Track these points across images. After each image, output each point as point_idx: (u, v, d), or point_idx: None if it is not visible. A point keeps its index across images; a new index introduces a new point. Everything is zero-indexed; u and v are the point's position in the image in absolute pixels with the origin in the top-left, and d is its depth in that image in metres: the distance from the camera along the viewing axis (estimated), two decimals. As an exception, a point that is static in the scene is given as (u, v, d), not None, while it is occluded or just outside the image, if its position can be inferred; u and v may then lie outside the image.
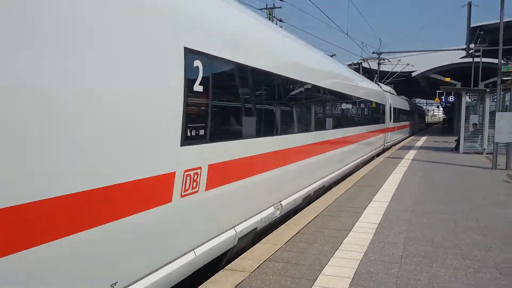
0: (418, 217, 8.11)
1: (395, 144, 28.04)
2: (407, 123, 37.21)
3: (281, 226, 7.46)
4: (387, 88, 29.17)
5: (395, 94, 33.11)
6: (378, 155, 21.25)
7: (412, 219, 7.92)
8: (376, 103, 19.44)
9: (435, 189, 11.08)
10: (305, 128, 8.71)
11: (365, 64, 37.76)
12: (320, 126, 9.93)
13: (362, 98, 15.88)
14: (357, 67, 36.83)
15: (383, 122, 21.75)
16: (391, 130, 24.92)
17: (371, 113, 18.16)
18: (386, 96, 23.90)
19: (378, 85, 25.23)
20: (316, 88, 9.63)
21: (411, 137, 37.20)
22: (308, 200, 9.56)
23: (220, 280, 5.05)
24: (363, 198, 9.85)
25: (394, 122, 26.31)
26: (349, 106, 13.69)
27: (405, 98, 42.58)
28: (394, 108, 26.55)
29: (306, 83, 8.82)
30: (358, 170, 14.67)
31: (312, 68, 9.53)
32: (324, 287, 4.88)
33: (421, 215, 8.22)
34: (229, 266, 5.53)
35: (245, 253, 6.01)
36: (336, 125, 11.55)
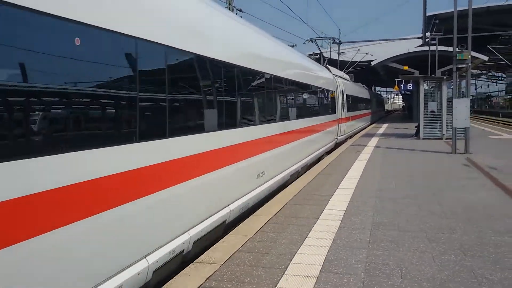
0: (383, 202, 8.26)
1: (351, 137, 25.16)
2: (365, 112, 34.62)
3: (250, 217, 7.44)
4: (339, 72, 25.90)
5: (350, 80, 29.57)
6: (329, 151, 18.14)
7: (378, 205, 8.06)
8: (323, 89, 16.18)
9: (398, 175, 11.33)
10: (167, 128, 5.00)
11: (317, 51, 36.93)
12: (212, 124, 6.22)
13: (301, 83, 12.36)
14: (318, 58, 37.11)
15: (334, 112, 18.50)
16: (345, 120, 21.68)
17: (316, 102, 14.74)
18: (337, 82, 20.51)
19: (327, 69, 21.30)
20: (201, 61, 5.92)
21: (372, 125, 37.12)
22: (182, 261, 5.69)
23: (191, 273, 4.98)
24: (329, 185, 9.96)
25: (348, 111, 23.42)
26: (280, 94, 10.03)
27: (362, 85, 40.36)
28: (348, 95, 23.53)
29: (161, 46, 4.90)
30: (297, 178, 11.56)
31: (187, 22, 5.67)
32: (295, 275, 4.90)
33: (386, 201, 8.38)
34: (199, 259, 5.47)
35: (215, 245, 5.95)
36: (255, 121, 8.19)
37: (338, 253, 5.58)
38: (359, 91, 31.72)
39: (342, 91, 21.37)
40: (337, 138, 19.73)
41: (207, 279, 4.84)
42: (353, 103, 26.03)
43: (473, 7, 15.83)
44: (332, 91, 18.39)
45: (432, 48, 33.49)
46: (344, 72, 37.46)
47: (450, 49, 21.26)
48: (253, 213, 7.72)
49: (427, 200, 8.45)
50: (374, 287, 4.56)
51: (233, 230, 6.66)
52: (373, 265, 5.17)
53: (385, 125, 35.86)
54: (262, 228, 6.72)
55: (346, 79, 26.61)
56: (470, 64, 16.05)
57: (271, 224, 6.91)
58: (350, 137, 25.01)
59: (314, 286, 4.59)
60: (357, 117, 28.53)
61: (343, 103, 21.28)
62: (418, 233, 6.36)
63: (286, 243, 5.98)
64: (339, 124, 20.06)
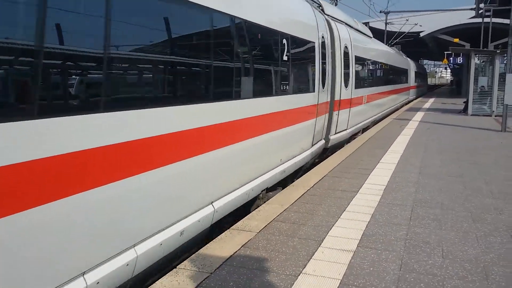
0: (427, 179, 7.99)
1: (367, 128, 16.06)
2: (398, 87, 24.38)
3: (288, 187, 7.36)
4: (347, 18, 13.74)
5: (370, 36, 17.54)
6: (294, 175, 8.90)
7: (420, 181, 7.80)
8: (270, 35, 6.82)
9: (443, 151, 10.93)
10: None
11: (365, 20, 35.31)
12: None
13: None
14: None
15: (312, 90, 8.91)
16: (349, 104, 12.30)
17: (234, 69, 5.63)
18: (334, 31, 10.92)
19: (315, 3, 11.05)
20: None
21: (409, 104, 31.91)
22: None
23: (226, 240, 4.98)
24: (370, 159, 9.72)
25: (361, 87, 13.84)
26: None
27: (396, 50, 30.17)
28: (362, 59, 14.03)
29: None
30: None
31: None
32: (331, 248, 4.81)
33: (430, 177, 8.10)
34: (236, 226, 5.46)
35: (251, 214, 5.93)
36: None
37: (377, 228, 5.43)
38: (388, 56, 21.34)
39: (346, 48, 11.88)
40: (325, 140, 10.43)
41: (242, 246, 4.82)
42: (373, 73, 16.97)
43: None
44: (310, 42, 8.78)
45: (486, 20, 31.84)
46: (390, 44, 35.98)
47: (506, 21, 20.10)
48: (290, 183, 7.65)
49: (474, 178, 8.11)
50: (414, 265, 4.41)
51: (269, 200, 6.61)
52: (413, 242, 5.01)
53: (431, 100, 34.70)
54: (299, 199, 6.63)
55: (361, 33, 15.52)
56: (527, 38, 15.13)
57: (309, 196, 6.81)
58: (366, 128, 15.96)
59: (350, 260, 4.49)
60: (381, 96, 18.60)
61: (347, 72, 11.97)
62: (462, 212, 6.11)
63: (323, 215, 5.88)
64: (336, 112, 11.09)
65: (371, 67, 16.34)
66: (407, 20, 41.08)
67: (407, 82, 30.13)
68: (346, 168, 8.81)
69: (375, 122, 17.68)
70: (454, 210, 6.19)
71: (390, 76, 21.60)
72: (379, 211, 6.09)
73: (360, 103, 13.89)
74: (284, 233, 5.22)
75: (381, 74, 19.01)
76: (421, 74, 45.53)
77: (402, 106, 28.26)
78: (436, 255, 4.68)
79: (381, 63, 18.55)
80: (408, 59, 34.41)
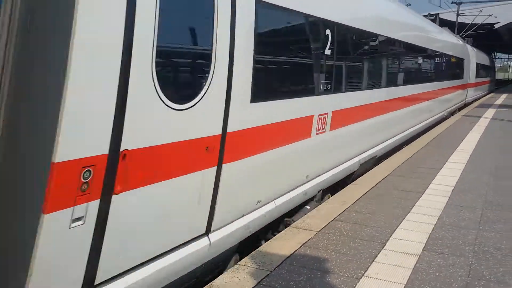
0: (498, 180, 7.56)
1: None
2: (431, 87, 13.63)
3: (349, 185, 7.23)
4: None
5: None
6: None
7: (491, 183, 7.40)
8: None
9: (517, 151, 10.31)
10: None
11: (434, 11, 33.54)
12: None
13: None
14: (433, 18, 34.53)
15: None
16: (212, 158, 3.89)
17: None
18: None
19: None
20: None
21: (490, 95, 28.83)
22: None
23: (286, 238, 4.97)
24: (437, 158, 9.33)
25: (275, 96, 4.80)
26: None
27: (448, 30, 21.45)
28: (282, 9, 4.81)
29: None
30: None
31: None
32: (395, 251, 4.67)
33: (502, 179, 7.66)
34: (295, 224, 5.43)
35: (311, 212, 5.87)
36: None
37: (444, 231, 5.21)
38: (416, 30, 12.12)
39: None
40: None
41: (302, 245, 4.78)
42: (371, 60, 8.23)
43: None
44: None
45: None
46: (461, 35, 34.12)
47: None
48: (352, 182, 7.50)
49: (552, 181, 7.59)
50: (484, 272, 4.20)
51: (329, 199, 6.52)
52: (483, 248, 4.76)
53: (503, 96, 32.81)
54: (361, 198, 6.49)
55: None
56: None
57: (371, 195, 6.64)
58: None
59: (415, 264, 4.34)
60: (394, 105, 9.78)
61: (196, 51, 3.73)
62: (539, 218, 5.73)
63: (386, 216, 5.72)
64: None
65: (362, 46, 7.83)
66: (480, 10, 38.98)
67: (461, 78, 20.71)
68: (411, 167, 8.52)
69: (387, 154, 9.86)
70: (529, 215, 5.83)
71: (422, 67, 12.76)
72: (447, 214, 5.84)
73: (301, 134, 5.56)
74: (345, 234, 5.13)
75: (397, 63, 9.95)
76: (487, 67, 35.37)
77: (452, 113, 19.96)
78: (508, 262, 4.42)
79: (396, 41, 9.71)
80: (467, 45, 25.63)
